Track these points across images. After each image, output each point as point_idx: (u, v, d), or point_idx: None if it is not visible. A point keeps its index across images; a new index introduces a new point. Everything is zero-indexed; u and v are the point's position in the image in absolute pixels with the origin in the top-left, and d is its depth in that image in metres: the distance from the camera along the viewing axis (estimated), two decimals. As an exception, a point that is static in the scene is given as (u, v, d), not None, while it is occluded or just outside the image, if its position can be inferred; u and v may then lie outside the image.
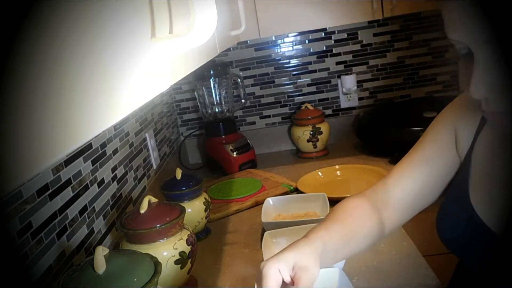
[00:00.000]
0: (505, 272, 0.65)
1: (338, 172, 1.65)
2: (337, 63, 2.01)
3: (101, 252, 0.68)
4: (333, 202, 1.33)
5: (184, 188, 1.20)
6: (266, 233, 1.10)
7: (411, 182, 0.83)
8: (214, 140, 1.86)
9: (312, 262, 0.71)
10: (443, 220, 0.77)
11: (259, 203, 1.42)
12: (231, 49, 1.98)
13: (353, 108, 2.05)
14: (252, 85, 2.04)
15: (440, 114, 0.83)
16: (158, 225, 0.90)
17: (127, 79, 0.29)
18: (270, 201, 1.33)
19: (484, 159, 0.73)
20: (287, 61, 2.02)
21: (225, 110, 1.93)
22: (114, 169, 1.20)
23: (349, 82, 1.98)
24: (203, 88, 1.90)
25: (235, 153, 1.81)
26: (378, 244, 1.10)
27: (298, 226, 1.13)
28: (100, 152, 1.12)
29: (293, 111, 2.05)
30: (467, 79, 0.59)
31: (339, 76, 2.01)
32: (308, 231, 0.79)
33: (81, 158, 1.01)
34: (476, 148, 0.74)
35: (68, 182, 0.93)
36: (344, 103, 2.04)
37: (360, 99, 2.04)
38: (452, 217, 0.75)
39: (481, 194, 0.72)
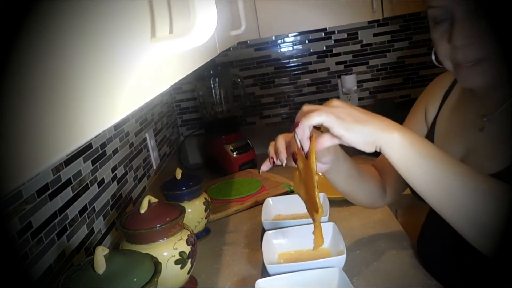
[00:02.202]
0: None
1: (338, 172, 1.64)
2: (337, 63, 2.01)
3: (101, 252, 0.68)
4: (333, 202, 1.33)
5: (184, 188, 1.20)
6: (266, 233, 1.10)
7: None
8: (214, 140, 1.86)
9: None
10: None
11: (259, 203, 1.42)
12: (231, 49, 1.98)
13: (353, 108, 2.05)
14: (252, 85, 2.04)
15: (416, 102, 1.06)
16: (158, 225, 0.90)
17: (127, 79, 0.29)
18: (270, 201, 1.33)
19: (447, 120, 0.92)
20: (287, 61, 2.02)
21: (225, 110, 1.93)
22: (114, 169, 1.20)
23: (349, 82, 1.98)
24: (203, 88, 1.90)
25: (235, 153, 1.81)
26: (378, 244, 1.11)
27: (298, 226, 1.13)
28: (100, 152, 1.12)
29: (293, 111, 2.05)
30: (443, 41, 0.76)
31: (339, 76, 2.01)
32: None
33: (81, 158, 1.01)
34: (440, 114, 0.94)
35: (68, 182, 0.93)
36: (344, 103, 2.04)
37: (360, 99, 2.03)
38: None
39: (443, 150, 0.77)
